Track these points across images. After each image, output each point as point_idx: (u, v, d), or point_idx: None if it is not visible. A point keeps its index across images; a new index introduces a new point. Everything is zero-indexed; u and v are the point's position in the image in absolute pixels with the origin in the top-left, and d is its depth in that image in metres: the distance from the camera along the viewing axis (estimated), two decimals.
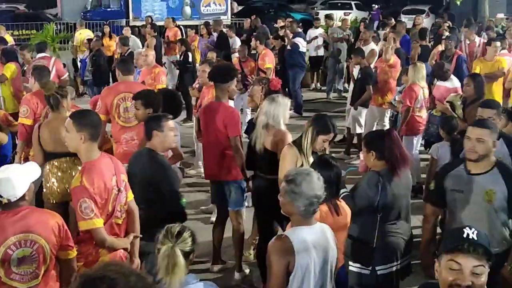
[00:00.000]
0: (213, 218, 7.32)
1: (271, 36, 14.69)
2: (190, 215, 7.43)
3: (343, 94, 14.38)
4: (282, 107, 5.74)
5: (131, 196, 4.37)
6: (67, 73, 11.52)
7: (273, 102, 5.74)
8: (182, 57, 12.65)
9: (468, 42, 12.13)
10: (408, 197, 4.76)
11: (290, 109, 11.56)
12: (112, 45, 15.23)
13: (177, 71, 13.05)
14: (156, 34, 15.31)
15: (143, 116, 5.60)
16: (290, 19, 15.25)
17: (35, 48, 11.32)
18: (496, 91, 9.40)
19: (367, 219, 4.49)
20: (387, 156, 4.52)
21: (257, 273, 5.95)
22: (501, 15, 18.27)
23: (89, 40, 14.35)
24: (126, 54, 12.64)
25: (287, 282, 3.49)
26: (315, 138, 5.02)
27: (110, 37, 15.77)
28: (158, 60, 13.83)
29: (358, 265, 4.51)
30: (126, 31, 15.37)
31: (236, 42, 14.72)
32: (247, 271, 6.21)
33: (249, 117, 9.72)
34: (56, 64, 10.21)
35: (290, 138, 5.61)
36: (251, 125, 6.36)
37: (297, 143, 5.13)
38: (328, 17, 16.49)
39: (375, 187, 4.43)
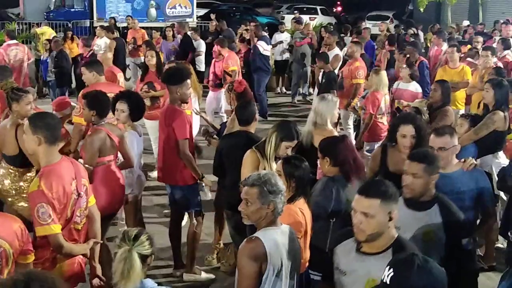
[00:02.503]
0: None
1: (237, 39, 14.67)
2: (152, 218, 7.44)
3: (308, 98, 14.45)
4: (331, 106, 6.03)
5: (92, 201, 4.29)
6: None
7: (323, 100, 6.10)
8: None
9: (435, 48, 12.30)
10: None
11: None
12: (74, 48, 15.03)
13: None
14: (116, 35, 15.16)
15: (88, 117, 5.55)
16: (255, 23, 15.23)
17: (6, 34, 11.44)
18: (459, 98, 9.56)
19: (320, 225, 4.45)
20: (340, 163, 4.55)
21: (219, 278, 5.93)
22: (466, 22, 18.57)
23: (49, 40, 14.11)
24: (88, 56, 12.50)
25: (259, 284, 3.44)
26: (279, 145, 5.01)
27: (72, 39, 15.56)
28: (122, 62, 13.73)
29: (313, 271, 4.48)
30: (100, 32, 15.15)
31: (201, 45, 14.68)
32: (203, 275, 6.15)
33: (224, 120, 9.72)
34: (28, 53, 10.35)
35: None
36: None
37: (260, 148, 5.10)
38: (297, 21, 16.56)
39: (329, 193, 4.44)
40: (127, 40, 15.93)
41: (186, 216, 6.54)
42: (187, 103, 6.36)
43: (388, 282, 2.51)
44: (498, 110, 6.31)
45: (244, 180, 3.66)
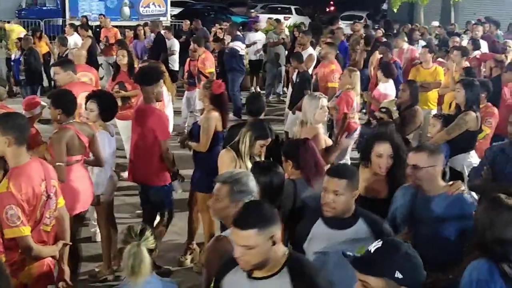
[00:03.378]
0: None
1: (211, 39, 14.63)
2: (125, 218, 7.36)
3: (282, 98, 14.45)
4: (314, 104, 6.06)
5: (62, 202, 4.23)
6: None
7: (308, 98, 6.18)
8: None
9: (396, 49, 12.42)
10: None
11: (229, 112, 11.62)
12: (42, 46, 14.85)
13: None
14: (89, 34, 15.03)
15: (54, 116, 5.47)
16: (229, 22, 15.24)
17: None
18: (432, 98, 9.66)
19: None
20: (302, 166, 4.57)
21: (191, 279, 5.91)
22: (435, 23, 18.75)
23: (20, 39, 13.93)
24: (64, 55, 12.36)
25: None
26: (253, 143, 5.03)
27: (41, 38, 15.36)
28: (94, 61, 13.60)
29: None
30: (69, 30, 14.98)
31: (174, 44, 14.60)
32: None
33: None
34: None
35: (321, 135, 5.91)
36: (196, 127, 6.32)
37: (235, 147, 5.10)
38: (277, 20, 16.59)
39: (291, 196, 4.42)
40: (100, 39, 15.80)
41: (158, 217, 6.50)
42: (160, 101, 6.34)
43: (372, 251, 2.57)
44: (469, 110, 6.37)
45: (217, 176, 3.72)
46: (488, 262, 3.25)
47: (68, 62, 7.60)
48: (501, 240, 3.29)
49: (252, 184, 3.59)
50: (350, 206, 3.67)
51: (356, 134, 7.61)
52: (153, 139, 5.90)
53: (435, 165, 3.99)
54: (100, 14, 19.59)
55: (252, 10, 26.28)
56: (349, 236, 3.60)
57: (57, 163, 5.03)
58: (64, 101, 5.45)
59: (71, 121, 5.41)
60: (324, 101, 6.23)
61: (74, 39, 14.35)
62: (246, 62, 14.56)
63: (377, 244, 2.60)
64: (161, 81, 6.17)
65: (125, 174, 8.74)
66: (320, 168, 4.66)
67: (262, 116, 6.15)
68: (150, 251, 3.50)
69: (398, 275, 2.51)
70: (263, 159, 5.17)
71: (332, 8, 38.30)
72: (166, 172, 6.06)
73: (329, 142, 6.15)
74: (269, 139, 5.11)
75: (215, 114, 6.16)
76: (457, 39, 12.45)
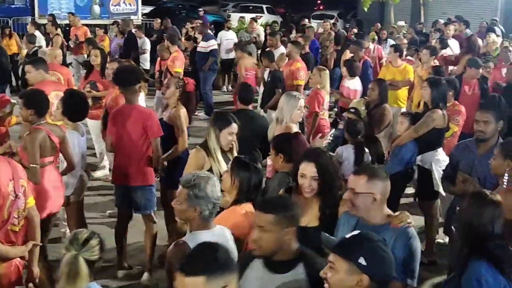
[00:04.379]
0: None
1: (183, 38, 14.60)
2: (96, 219, 7.33)
3: (255, 97, 14.45)
4: (292, 103, 6.14)
5: (31, 202, 4.19)
6: None
7: (286, 96, 6.25)
8: (89, 57, 12.33)
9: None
10: None
11: (200, 112, 11.64)
12: (12, 44, 14.66)
13: (84, 71, 12.70)
14: (58, 32, 14.88)
15: (25, 117, 5.37)
16: (200, 21, 15.21)
17: None
18: (401, 96, 9.78)
19: None
20: (294, 159, 4.53)
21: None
22: (401, 23, 18.99)
23: None
24: (31, 53, 12.21)
25: None
26: (219, 135, 5.01)
27: (10, 36, 15.15)
28: (62, 59, 13.45)
29: None
30: (30, 28, 14.80)
31: (145, 43, 14.54)
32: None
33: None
34: None
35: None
36: (162, 123, 6.30)
37: (204, 146, 5.10)
38: (253, 19, 16.63)
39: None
40: (70, 37, 15.65)
41: None
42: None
43: (348, 237, 2.73)
44: (436, 108, 6.45)
45: (181, 177, 3.71)
46: (487, 263, 3.33)
47: (40, 61, 7.52)
48: (487, 235, 3.39)
49: (211, 189, 3.52)
50: (282, 245, 3.10)
51: (329, 134, 7.67)
52: (143, 138, 5.87)
53: (373, 193, 3.45)
54: (69, 13, 19.36)
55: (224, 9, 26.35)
56: (285, 281, 3.09)
57: (31, 165, 4.97)
58: (36, 101, 5.36)
59: (42, 122, 5.33)
60: (302, 102, 6.32)
61: (37, 38, 14.18)
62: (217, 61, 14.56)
63: (356, 231, 2.74)
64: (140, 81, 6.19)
65: (96, 174, 8.73)
66: None
67: (250, 107, 6.81)
68: (92, 262, 3.26)
69: (361, 261, 2.58)
70: (235, 152, 5.15)
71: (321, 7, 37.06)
72: (152, 171, 6.04)
73: None
74: (234, 125, 5.06)
75: (184, 111, 6.35)
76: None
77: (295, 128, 6.17)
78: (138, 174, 5.95)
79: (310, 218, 3.94)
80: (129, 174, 5.96)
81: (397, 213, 3.58)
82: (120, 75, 6.28)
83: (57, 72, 8.67)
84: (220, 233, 3.61)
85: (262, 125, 6.44)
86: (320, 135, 8.14)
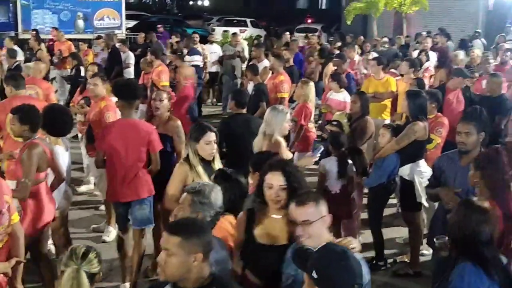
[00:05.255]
0: (105, 237, 7.19)
1: (168, 52, 14.62)
2: (81, 233, 7.30)
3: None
4: (280, 117, 6.10)
5: (16, 218, 4.18)
6: None
7: (273, 111, 6.22)
8: (73, 71, 12.34)
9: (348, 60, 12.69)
10: None
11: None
12: None
13: (68, 86, 12.71)
14: (41, 47, 14.85)
15: (19, 132, 5.35)
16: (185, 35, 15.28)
17: None
18: (385, 108, 9.85)
19: None
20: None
21: None
22: (385, 39, 19.17)
23: None
24: (13, 67, 12.16)
25: None
26: (196, 148, 5.05)
27: None
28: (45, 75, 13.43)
29: None
30: (9, 43, 14.74)
31: (129, 57, 14.55)
32: None
33: None
34: None
35: (284, 148, 6.01)
36: None
37: (187, 159, 5.12)
38: (235, 33, 16.71)
39: None
40: (54, 52, 15.61)
41: (114, 231, 6.44)
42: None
43: (309, 250, 2.80)
44: (417, 120, 6.52)
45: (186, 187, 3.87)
46: (473, 265, 3.43)
47: (14, 77, 7.44)
48: (475, 240, 3.47)
49: (215, 197, 3.63)
50: (188, 271, 2.90)
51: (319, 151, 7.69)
52: (143, 152, 5.83)
53: (324, 215, 3.40)
54: (53, 27, 19.33)
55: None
56: None
57: (23, 180, 4.94)
58: (31, 118, 5.32)
59: (36, 136, 5.31)
60: (289, 115, 6.36)
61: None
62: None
63: (322, 245, 2.77)
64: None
65: (80, 189, 8.71)
66: None
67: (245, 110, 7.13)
68: (92, 275, 3.34)
69: (314, 274, 2.64)
70: (218, 163, 5.18)
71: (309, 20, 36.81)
72: (150, 183, 5.97)
73: (290, 155, 6.27)
74: (211, 133, 5.08)
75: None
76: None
77: (284, 143, 6.20)
78: (138, 188, 5.87)
79: (278, 236, 3.75)
80: (130, 188, 5.85)
81: (340, 239, 3.50)
82: (123, 88, 6.16)
83: (37, 86, 8.63)
84: (218, 243, 3.62)
85: (258, 127, 6.42)
86: (310, 153, 8.18)
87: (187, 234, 2.89)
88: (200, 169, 4.98)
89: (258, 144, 6.14)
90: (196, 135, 5.07)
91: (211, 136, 5.08)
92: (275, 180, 3.73)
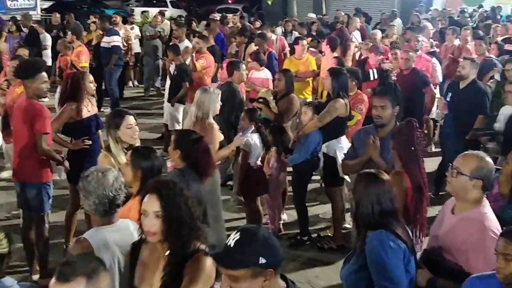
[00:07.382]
0: None
1: (86, 33, 14.24)
2: (1, 220, 7.08)
3: (162, 91, 14.37)
4: (213, 99, 6.04)
5: None
6: None
7: (204, 92, 6.08)
8: None
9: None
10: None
11: (106, 108, 11.46)
12: None
13: None
14: None
15: None
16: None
17: None
18: (306, 87, 10.02)
19: None
20: (191, 160, 4.58)
21: None
22: (312, 15, 19.37)
23: None
24: None
25: None
26: (118, 135, 4.94)
27: None
28: None
29: None
30: None
31: (46, 38, 14.13)
32: None
33: None
34: None
35: (216, 130, 5.91)
36: None
37: (109, 149, 5.00)
38: (160, 13, 16.40)
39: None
40: None
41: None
42: (45, 97, 6.08)
43: (232, 245, 2.51)
44: (338, 97, 6.68)
45: None
46: (386, 231, 3.51)
47: None
48: (379, 211, 3.57)
49: (98, 185, 3.47)
50: None
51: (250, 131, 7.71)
52: (32, 133, 5.62)
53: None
54: None
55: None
56: None
57: None
58: None
59: None
60: (220, 95, 6.35)
61: None
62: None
63: (236, 235, 2.54)
64: (42, 74, 5.71)
65: (3, 174, 8.45)
66: (212, 166, 4.76)
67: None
68: (1, 256, 3.19)
69: (262, 260, 2.50)
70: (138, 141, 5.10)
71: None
72: (47, 169, 5.79)
73: (222, 137, 6.24)
74: (128, 116, 4.98)
75: None
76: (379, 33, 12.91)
77: (216, 126, 6.14)
78: (30, 170, 5.72)
79: (155, 279, 3.14)
80: (24, 170, 5.75)
81: None
82: (17, 68, 6.03)
83: None
84: (123, 226, 3.59)
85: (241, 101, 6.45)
86: (240, 133, 8.25)
87: (89, 275, 2.54)
88: (123, 158, 4.72)
89: (187, 126, 6.11)
90: (115, 124, 4.95)
91: (131, 119, 4.98)
92: (150, 206, 3.08)
